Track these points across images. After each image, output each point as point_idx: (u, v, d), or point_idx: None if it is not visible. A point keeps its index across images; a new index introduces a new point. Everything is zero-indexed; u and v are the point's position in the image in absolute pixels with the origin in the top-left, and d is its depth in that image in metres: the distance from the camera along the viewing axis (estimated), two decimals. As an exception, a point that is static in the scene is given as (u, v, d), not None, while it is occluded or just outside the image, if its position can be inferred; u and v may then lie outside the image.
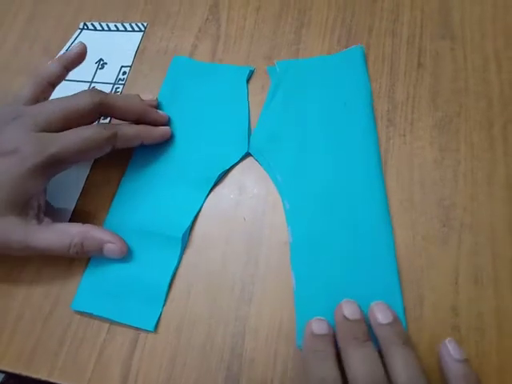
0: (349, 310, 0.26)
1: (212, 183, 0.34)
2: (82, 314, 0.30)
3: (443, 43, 0.36)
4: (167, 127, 0.35)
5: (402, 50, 0.37)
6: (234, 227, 0.32)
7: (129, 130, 0.32)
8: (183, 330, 0.29)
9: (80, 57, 0.35)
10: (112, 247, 0.30)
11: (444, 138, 0.33)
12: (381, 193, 0.31)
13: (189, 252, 0.32)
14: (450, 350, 0.25)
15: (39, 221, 0.30)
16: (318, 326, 0.26)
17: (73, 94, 0.32)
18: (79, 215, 0.34)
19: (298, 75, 0.37)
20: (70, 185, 0.35)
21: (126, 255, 0.31)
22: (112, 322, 0.30)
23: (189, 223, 0.32)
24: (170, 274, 0.31)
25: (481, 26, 0.37)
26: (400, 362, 0.23)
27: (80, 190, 0.35)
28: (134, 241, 0.32)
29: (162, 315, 0.30)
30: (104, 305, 0.30)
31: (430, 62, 0.36)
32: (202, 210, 0.33)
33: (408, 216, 0.31)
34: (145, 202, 0.33)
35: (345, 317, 0.26)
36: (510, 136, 0.32)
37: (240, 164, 0.35)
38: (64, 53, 0.35)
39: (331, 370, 0.24)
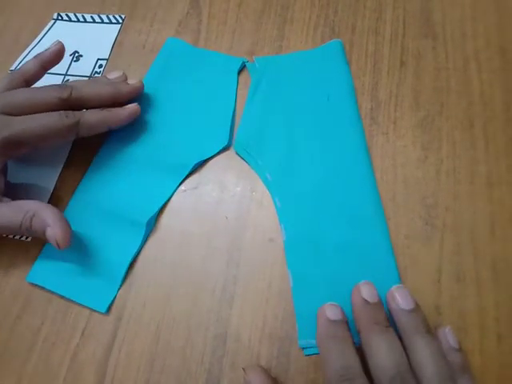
0: (368, 292, 0.25)
1: (186, 172, 0.33)
2: (53, 318, 0.29)
3: (425, 42, 0.37)
4: (134, 104, 0.33)
5: (385, 48, 0.37)
6: (216, 226, 0.31)
7: (92, 116, 0.31)
8: (162, 333, 0.28)
9: (57, 55, 0.35)
10: (50, 232, 0.27)
11: (426, 137, 0.33)
12: (371, 183, 0.31)
13: (168, 251, 0.31)
14: (449, 338, 0.25)
15: None
16: (333, 312, 0.25)
17: (42, 86, 0.32)
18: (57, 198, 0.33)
19: (279, 71, 0.37)
20: (48, 166, 0.34)
21: (89, 233, 0.31)
22: (86, 324, 0.29)
23: (156, 210, 0.32)
24: (130, 258, 0.30)
25: (461, 26, 0.37)
26: (426, 352, 0.23)
27: (58, 173, 0.34)
28: (98, 221, 0.31)
29: (140, 317, 0.29)
30: (59, 281, 0.30)
31: (412, 61, 0.36)
32: (183, 207, 0.32)
33: (391, 214, 0.30)
34: (114, 183, 0.33)
35: (364, 300, 0.25)
36: (490, 135, 0.32)
37: (222, 161, 0.34)
38: (42, 52, 0.34)
39: (353, 357, 0.23)
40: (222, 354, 0.27)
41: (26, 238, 0.32)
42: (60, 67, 0.39)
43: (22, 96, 0.30)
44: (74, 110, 0.31)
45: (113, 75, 0.35)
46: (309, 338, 0.27)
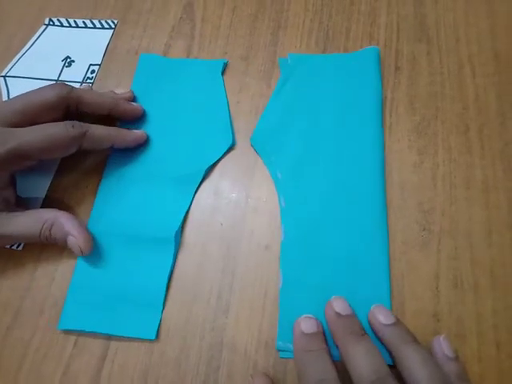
0: (340, 305, 0.26)
1: (200, 178, 0.33)
2: (45, 329, 0.28)
3: (419, 47, 0.36)
4: (142, 131, 0.34)
5: (380, 53, 0.36)
6: (211, 233, 0.31)
7: (99, 130, 0.31)
8: (156, 343, 0.28)
9: None
10: (72, 241, 0.28)
11: (422, 142, 0.33)
12: (381, 199, 0.30)
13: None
14: (444, 347, 0.24)
15: (9, 211, 0.29)
16: (308, 325, 0.25)
17: (40, 87, 0.31)
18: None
19: (309, 70, 0.36)
20: (35, 183, 0.34)
21: (114, 261, 0.30)
22: (78, 336, 0.28)
23: (179, 221, 0.31)
24: (166, 276, 0.29)
25: (455, 30, 0.37)
26: (416, 358, 0.22)
27: (45, 192, 0.33)
28: (121, 246, 0.30)
29: (134, 327, 0.28)
30: (96, 319, 0.28)
31: (406, 66, 0.36)
32: (177, 215, 0.32)
33: (388, 220, 0.30)
34: (129, 204, 0.32)
35: (337, 313, 0.25)
36: (485, 139, 0.32)
37: (217, 168, 0.33)
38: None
39: (329, 370, 0.23)
40: (217, 364, 0.27)
41: (17, 247, 0.31)
42: (52, 73, 0.38)
43: (17, 102, 0.29)
44: (70, 111, 0.31)
45: (119, 90, 0.35)
46: (287, 341, 0.26)
